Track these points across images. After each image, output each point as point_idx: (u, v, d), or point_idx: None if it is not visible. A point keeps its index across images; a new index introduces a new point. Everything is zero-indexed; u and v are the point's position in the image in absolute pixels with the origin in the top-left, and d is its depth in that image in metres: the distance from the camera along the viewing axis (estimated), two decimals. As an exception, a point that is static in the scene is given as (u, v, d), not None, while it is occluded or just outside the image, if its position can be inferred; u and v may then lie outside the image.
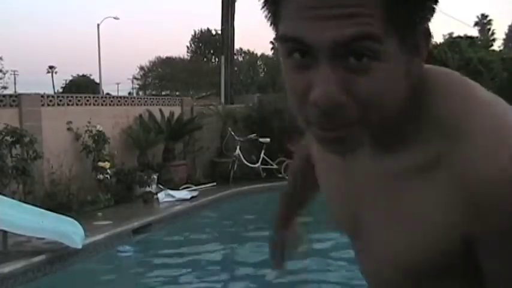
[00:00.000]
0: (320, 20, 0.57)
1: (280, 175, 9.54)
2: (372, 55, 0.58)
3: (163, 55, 51.21)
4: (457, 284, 0.72)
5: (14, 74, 53.92)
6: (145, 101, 9.35)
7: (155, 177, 7.92)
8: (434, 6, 0.62)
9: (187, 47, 49.89)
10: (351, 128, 0.63)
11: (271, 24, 0.66)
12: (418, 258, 0.69)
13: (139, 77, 52.65)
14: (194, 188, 8.42)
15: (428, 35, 0.64)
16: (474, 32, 43.22)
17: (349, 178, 0.79)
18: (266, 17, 0.66)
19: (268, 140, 9.50)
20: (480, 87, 0.68)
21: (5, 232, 4.66)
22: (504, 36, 51.16)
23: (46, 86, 54.53)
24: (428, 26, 0.63)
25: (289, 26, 0.61)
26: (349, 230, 0.85)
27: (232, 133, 9.58)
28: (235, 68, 16.19)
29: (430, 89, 0.68)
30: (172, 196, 7.57)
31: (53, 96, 7.59)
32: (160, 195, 7.55)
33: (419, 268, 0.70)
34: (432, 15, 0.63)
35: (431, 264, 0.69)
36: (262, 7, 0.66)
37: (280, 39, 0.63)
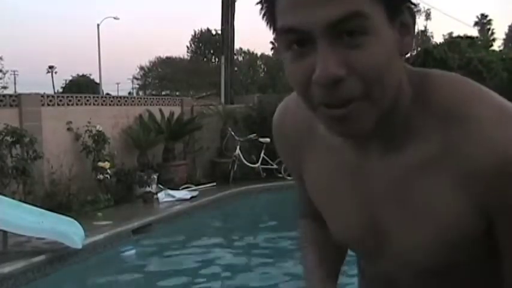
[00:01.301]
0: (311, 6, 0.63)
1: (280, 175, 9.54)
2: (361, 30, 0.64)
3: (163, 55, 51.27)
4: (476, 279, 0.79)
5: (14, 74, 53.95)
6: (145, 101, 9.34)
7: (155, 177, 7.92)
8: None
9: (187, 47, 49.91)
10: (356, 104, 0.66)
11: (267, 23, 0.71)
12: (442, 250, 0.74)
13: (139, 77, 52.66)
14: (194, 188, 8.41)
15: (413, 13, 0.69)
16: (474, 32, 43.29)
17: (361, 182, 0.80)
18: (262, 16, 0.71)
19: (268, 140, 9.49)
20: (481, 86, 0.73)
21: (5, 232, 4.66)
22: (504, 36, 51.17)
23: (46, 86, 54.55)
24: (411, 6, 0.69)
25: (285, 19, 0.66)
26: (363, 238, 0.84)
27: (232, 133, 9.57)
28: (235, 68, 16.16)
29: (435, 83, 0.73)
30: (172, 196, 7.57)
31: (53, 96, 7.58)
32: (160, 195, 7.55)
33: (443, 260, 0.75)
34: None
35: (454, 255, 0.74)
36: (260, 5, 0.71)
37: (279, 33, 0.68)
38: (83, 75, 45.60)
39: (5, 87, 36.19)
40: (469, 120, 0.68)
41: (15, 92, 26.32)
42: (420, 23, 55.92)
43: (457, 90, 0.72)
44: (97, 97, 8.32)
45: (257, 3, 0.71)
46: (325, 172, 0.86)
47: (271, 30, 0.71)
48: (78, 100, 7.72)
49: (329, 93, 0.65)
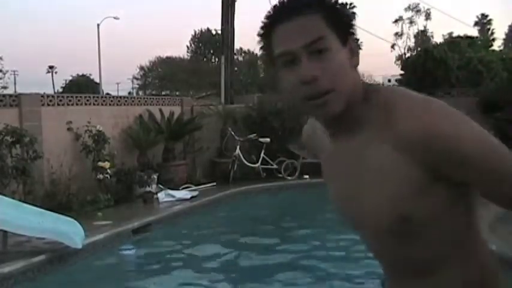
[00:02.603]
0: (294, 37, 1.04)
1: (280, 175, 9.54)
2: (324, 48, 1.04)
3: (163, 55, 51.20)
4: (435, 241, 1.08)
5: (14, 74, 53.81)
6: (145, 101, 9.35)
7: (155, 177, 7.92)
8: (353, 27, 1.09)
9: (187, 47, 49.86)
10: (330, 95, 1.04)
11: (266, 54, 1.12)
12: (398, 203, 1.04)
13: (139, 77, 52.62)
14: (194, 188, 8.42)
15: (355, 41, 1.10)
16: (474, 32, 43.17)
17: (336, 163, 1.18)
18: (262, 49, 1.12)
19: (268, 140, 9.50)
20: (411, 92, 1.09)
21: (5, 232, 4.66)
22: (504, 36, 51.05)
23: (46, 86, 54.49)
24: (354, 36, 1.10)
25: (279, 47, 1.07)
26: (344, 209, 1.19)
27: (232, 133, 9.58)
28: (235, 68, 16.14)
29: (378, 91, 1.10)
30: (172, 196, 7.57)
31: (53, 96, 7.59)
32: (160, 195, 7.55)
33: (401, 215, 1.04)
34: (354, 32, 1.10)
35: (410, 208, 1.03)
36: (260, 44, 1.13)
37: (277, 57, 1.08)
38: (83, 75, 45.58)
39: (5, 87, 36.16)
40: (396, 108, 1.03)
41: (15, 92, 26.34)
42: (420, 23, 55.87)
43: (390, 92, 1.10)
44: (97, 97, 8.32)
45: (258, 44, 1.12)
46: (324, 164, 1.26)
47: (268, 58, 1.12)
48: (78, 100, 7.72)
49: (310, 88, 1.03)
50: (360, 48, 1.10)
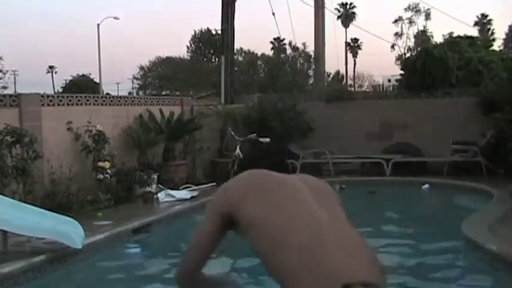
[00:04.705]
0: None
1: (280, 175, 9.53)
2: None
3: (163, 55, 51.13)
4: None
5: (14, 74, 53.71)
6: (145, 101, 9.35)
7: (155, 177, 7.92)
8: None
9: (187, 47, 49.80)
10: None
11: None
12: None
13: (139, 77, 52.58)
14: (194, 188, 8.41)
15: None
16: (474, 32, 43.18)
17: None
18: None
19: (268, 140, 9.49)
20: None
21: (5, 232, 4.66)
22: (504, 36, 51.01)
23: (46, 86, 54.44)
24: None
25: None
26: None
27: (232, 133, 9.57)
28: (235, 68, 16.12)
29: None
30: (172, 196, 7.57)
31: (53, 96, 7.59)
32: (160, 195, 7.55)
33: None
34: None
35: None
36: None
37: None
38: (83, 75, 45.55)
39: (5, 87, 36.10)
40: None
41: (15, 92, 26.30)
42: (420, 23, 55.89)
43: None
44: (97, 97, 8.33)
45: None
46: None
47: None
48: (78, 100, 7.72)
49: None
50: None
